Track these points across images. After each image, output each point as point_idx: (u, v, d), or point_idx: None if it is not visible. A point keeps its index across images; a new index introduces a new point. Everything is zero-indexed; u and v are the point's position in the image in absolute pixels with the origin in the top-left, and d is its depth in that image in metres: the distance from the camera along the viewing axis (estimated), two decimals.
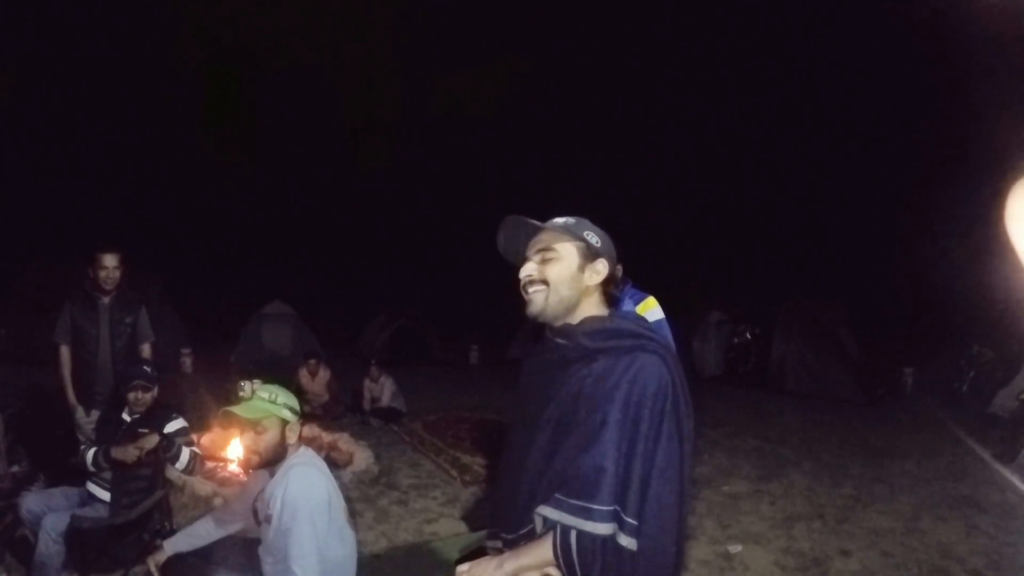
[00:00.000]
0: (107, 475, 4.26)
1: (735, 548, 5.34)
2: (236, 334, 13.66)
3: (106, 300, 5.30)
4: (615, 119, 23.79)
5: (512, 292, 2.07)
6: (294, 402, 3.19)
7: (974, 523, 5.95)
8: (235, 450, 6.67)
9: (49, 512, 4.04)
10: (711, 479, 7.19)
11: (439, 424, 9.33)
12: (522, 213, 2.06)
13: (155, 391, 4.48)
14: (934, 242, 16.05)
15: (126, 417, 4.42)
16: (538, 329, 2.11)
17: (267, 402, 3.09)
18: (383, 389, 9.57)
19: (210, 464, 6.63)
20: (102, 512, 4.21)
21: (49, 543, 3.90)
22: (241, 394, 3.02)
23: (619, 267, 4.01)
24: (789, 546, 5.44)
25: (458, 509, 6.15)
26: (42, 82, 19.05)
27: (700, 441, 8.68)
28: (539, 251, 2.01)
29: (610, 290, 2.06)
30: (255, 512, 3.21)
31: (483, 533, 2.27)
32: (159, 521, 4.46)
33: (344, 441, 7.71)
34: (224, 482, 6.35)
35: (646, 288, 4.09)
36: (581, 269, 2.00)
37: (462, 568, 1.96)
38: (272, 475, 3.10)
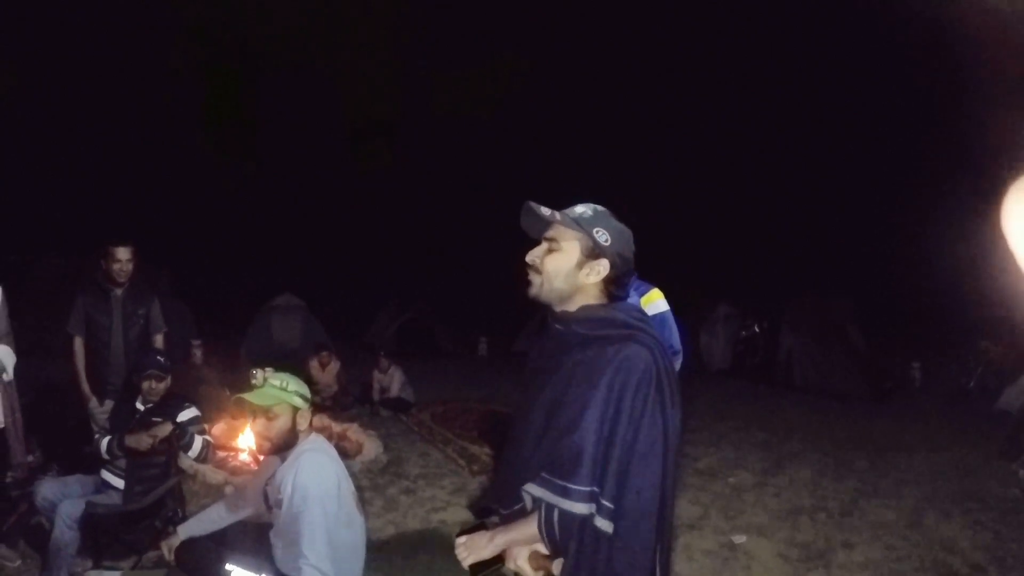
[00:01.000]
0: (121, 463, 4.33)
1: (739, 539, 5.38)
2: (246, 326, 13.73)
3: (119, 292, 5.36)
4: (619, 116, 23.75)
5: (520, 285, 2.12)
6: (305, 389, 3.25)
7: (978, 518, 5.96)
8: (246, 439, 6.75)
9: (64, 499, 4.11)
10: (717, 471, 7.23)
11: (447, 415, 9.38)
12: (554, 204, 2.09)
13: (168, 380, 4.55)
14: (942, 238, 15.99)
15: (139, 406, 4.49)
16: (543, 320, 2.17)
17: (278, 389, 3.15)
18: (392, 380, 9.63)
19: (222, 453, 6.71)
20: (116, 499, 4.28)
21: (64, 530, 3.97)
22: (253, 382, 3.06)
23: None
24: (793, 537, 5.48)
25: (465, 498, 6.20)
26: (50, 80, 19.15)
27: (707, 433, 8.73)
28: (547, 239, 2.07)
29: (611, 289, 2.07)
30: (266, 497, 3.28)
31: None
32: (171, 508, 4.53)
33: (354, 431, 7.77)
34: (236, 471, 6.43)
35: (654, 281, 4.13)
36: (579, 266, 2.03)
37: (460, 540, 2.08)
38: (283, 461, 3.16)
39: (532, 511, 1.97)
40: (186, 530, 3.55)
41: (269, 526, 3.29)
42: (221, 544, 3.42)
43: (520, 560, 1.99)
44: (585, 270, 2.03)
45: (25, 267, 13.22)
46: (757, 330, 13.35)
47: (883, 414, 10.17)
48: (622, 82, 22.90)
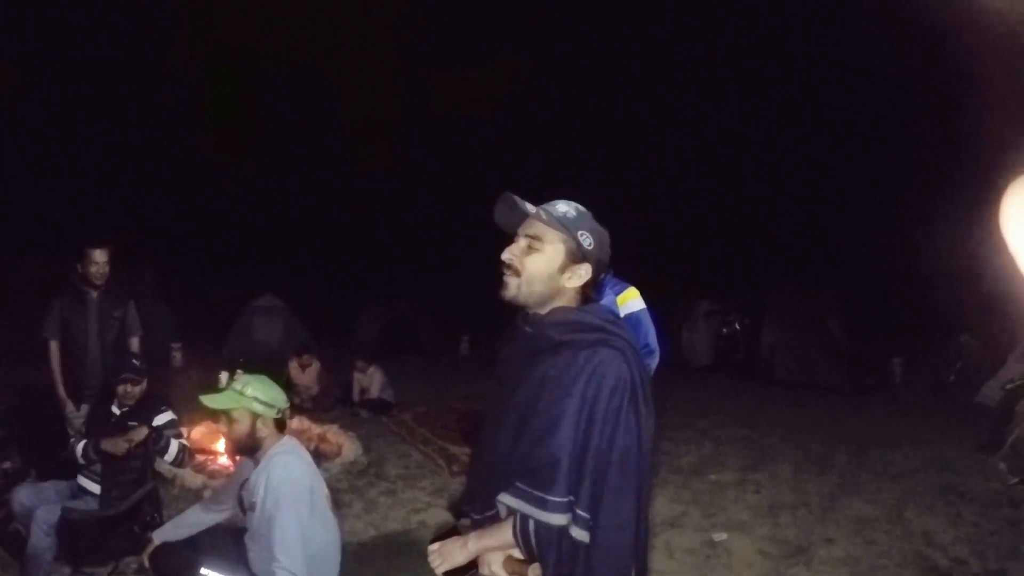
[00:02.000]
0: (97, 468, 4.30)
1: (720, 536, 5.39)
2: (227, 328, 13.68)
3: (95, 294, 5.33)
4: (606, 114, 23.76)
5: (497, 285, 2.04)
6: (270, 395, 3.21)
7: (959, 512, 5.99)
8: (224, 443, 6.72)
9: (41, 505, 4.07)
10: (698, 468, 7.24)
11: (428, 415, 9.35)
12: (537, 199, 2.03)
13: (144, 384, 4.51)
14: (923, 232, 16.06)
15: (116, 410, 4.45)
16: (512, 319, 2.13)
17: (237, 393, 3.13)
18: (372, 381, 9.59)
19: (200, 457, 6.67)
20: (93, 505, 4.26)
21: (41, 536, 3.94)
22: (220, 385, 3.07)
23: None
24: (774, 534, 5.49)
25: (446, 499, 6.19)
26: (33, 79, 18.99)
27: (688, 431, 8.74)
28: (528, 236, 1.99)
29: (588, 292, 2.03)
30: (240, 501, 3.26)
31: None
32: (149, 513, 4.49)
33: (333, 433, 7.74)
34: (214, 475, 6.39)
35: (634, 278, 4.12)
36: (561, 270, 1.98)
37: (433, 547, 2.06)
38: (256, 464, 3.15)
39: (506, 518, 1.95)
40: (161, 535, 3.54)
41: (244, 530, 3.27)
42: (196, 548, 3.40)
43: (494, 566, 1.97)
44: (567, 274, 1.98)
45: (5, 271, 13.12)
46: (738, 326, 13.39)
47: (864, 409, 10.22)
48: (615, 76, 22.90)
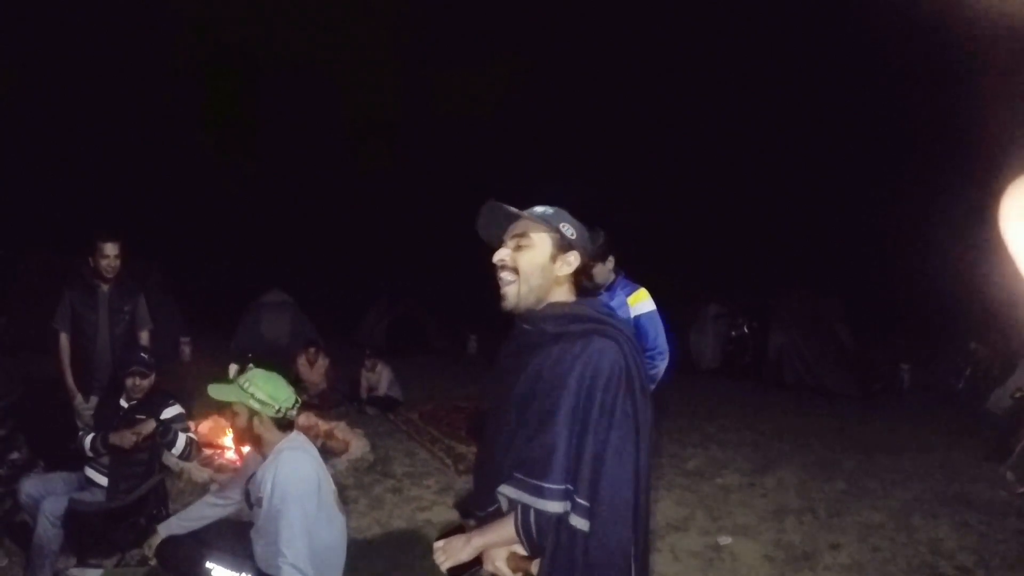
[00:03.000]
0: (105, 460, 4.31)
1: (725, 540, 5.38)
2: (235, 323, 13.71)
3: (105, 288, 5.34)
4: (611, 114, 23.75)
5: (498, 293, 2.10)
6: (271, 393, 3.16)
7: (965, 520, 5.97)
8: (231, 437, 6.72)
9: (48, 496, 4.08)
10: (704, 471, 7.23)
11: (435, 413, 9.37)
12: (519, 204, 2.09)
13: (152, 377, 4.51)
14: (933, 238, 16.02)
15: (124, 403, 4.46)
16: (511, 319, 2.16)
17: (239, 388, 3.13)
18: (380, 378, 9.62)
19: (207, 451, 6.68)
20: (99, 497, 4.27)
21: (47, 527, 3.95)
22: (229, 377, 3.06)
23: (611, 259, 4.06)
24: (779, 539, 5.48)
25: (451, 497, 6.19)
26: (34, 80, 19.07)
27: (696, 434, 8.74)
28: (515, 237, 2.05)
29: (581, 280, 2.09)
30: (247, 495, 3.26)
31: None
32: (155, 506, 4.51)
33: (340, 429, 7.75)
34: (221, 469, 6.40)
35: (644, 281, 4.13)
36: (553, 259, 2.04)
37: (437, 544, 2.06)
38: (264, 459, 3.14)
39: (508, 512, 1.96)
40: (167, 528, 3.54)
41: (250, 524, 3.27)
42: (202, 542, 3.40)
43: (498, 562, 1.98)
44: (558, 263, 2.04)
45: (12, 262, 13.15)
46: (747, 330, 13.38)
47: (871, 415, 10.21)
48: (619, 78, 22.89)
